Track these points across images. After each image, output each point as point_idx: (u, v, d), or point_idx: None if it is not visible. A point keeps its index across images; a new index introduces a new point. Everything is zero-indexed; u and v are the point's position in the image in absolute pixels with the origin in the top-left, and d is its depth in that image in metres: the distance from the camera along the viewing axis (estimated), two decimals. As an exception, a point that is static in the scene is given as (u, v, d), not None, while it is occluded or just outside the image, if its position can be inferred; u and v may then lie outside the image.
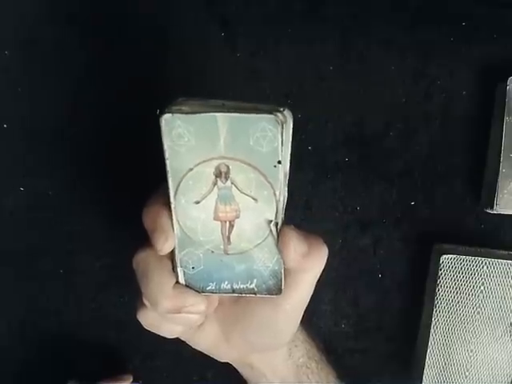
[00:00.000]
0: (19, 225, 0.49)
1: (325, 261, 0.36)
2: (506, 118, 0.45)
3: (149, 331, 0.38)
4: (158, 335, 0.38)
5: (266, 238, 0.34)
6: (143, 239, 0.35)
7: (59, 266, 0.50)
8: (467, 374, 0.48)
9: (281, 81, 0.48)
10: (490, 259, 0.47)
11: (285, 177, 0.32)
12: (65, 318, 0.51)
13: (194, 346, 0.40)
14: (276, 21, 0.47)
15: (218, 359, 0.41)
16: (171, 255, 0.35)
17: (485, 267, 0.47)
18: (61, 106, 0.48)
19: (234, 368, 0.44)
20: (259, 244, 0.34)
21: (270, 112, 0.30)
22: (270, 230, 0.34)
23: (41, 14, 0.47)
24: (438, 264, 0.48)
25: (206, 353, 0.41)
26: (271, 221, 0.33)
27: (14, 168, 0.49)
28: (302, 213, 0.49)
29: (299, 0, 0.47)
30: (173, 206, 0.33)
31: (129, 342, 0.51)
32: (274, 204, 0.33)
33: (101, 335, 0.51)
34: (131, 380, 0.50)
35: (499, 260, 0.47)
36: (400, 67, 0.48)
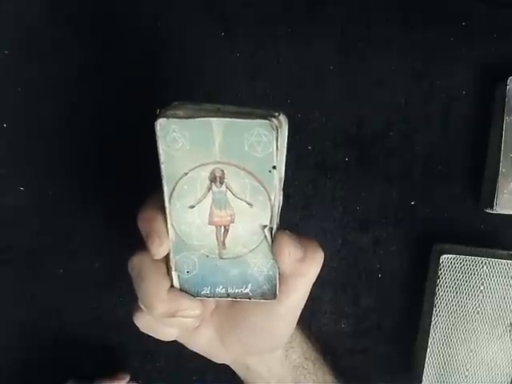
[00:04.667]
0: (19, 225, 0.49)
1: (320, 265, 0.36)
2: (506, 118, 0.45)
3: (148, 332, 0.38)
4: (158, 336, 0.38)
5: (260, 243, 0.34)
6: (142, 240, 0.36)
7: (59, 265, 0.50)
8: (467, 373, 0.48)
9: (281, 81, 0.48)
10: (489, 259, 0.47)
11: (280, 182, 0.32)
12: (65, 318, 0.51)
13: (190, 349, 0.40)
14: (276, 21, 0.47)
15: (215, 361, 0.41)
16: (166, 259, 0.35)
17: (485, 267, 0.47)
18: (60, 106, 0.48)
19: (233, 369, 0.44)
20: (254, 249, 0.34)
21: (264, 117, 0.30)
22: (265, 235, 0.33)
23: (41, 14, 0.47)
24: (437, 264, 0.48)
25: (202, 354, 0.41)
26: (266, 226, 0.33)
27: (14, 168, 0.49)
28: (301, 213, 0.49)
29: (299, 0, 0.47)
30: (168, 210, 0.33)
31: (128, 342, 0.51)
32: (269, 209, 0.32)
33: (100, 335, 0.51)
34: (128, 379, 0.50)
35: (499, 260, 0.47)
36: (400, 67, 0.48)
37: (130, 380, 0.51)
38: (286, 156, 0.32)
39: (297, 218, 0.49)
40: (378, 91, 0.48)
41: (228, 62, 0.48)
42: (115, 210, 0.49)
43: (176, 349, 0.50)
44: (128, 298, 0.50)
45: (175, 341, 0.39)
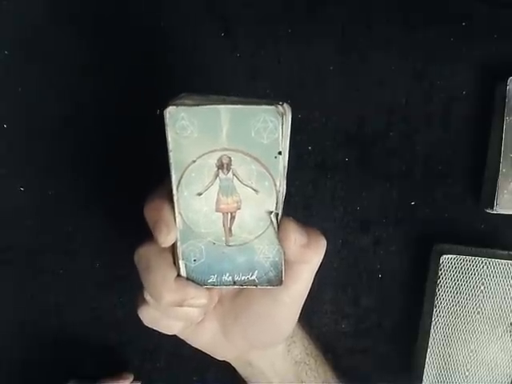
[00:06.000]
0: (19, 225, 0.49)
1: (323, 252, 0.36)
2: (506, 118, 0.45)
3: (148, 331, 0.38)
4: (158, 335, 0.38)
5: (266, 229, 0.34)
6: (143, 239, 0.36)
7: (59, 265, 0.50)
8: (467, 373, 0.48)
9: (281, 81, 0.48)
10: (489, 259, 0.47)
11: (284, 169, 0.33)
12: (65, 318, 0.51)
13: (192, 344, 0.40)
14: (276, 21, 0.47)
15: (217, 357, 0.41)
16: (172, 248, 0.35)
17: (485, 267, 0.47)
18: (61, 105, 0.48)
19: (234, 368, 0.44)
20: (260, 235, 0.34)
21: (270, 104, 0.31)
22: (271, 221, 0.34)
23: (41, 14, 0.47)
24: (437, 264, 0.48)
25: (204, 351, 0.41)
26: (272, 212, 0.34)
27: (14, 168, 0.49)
28: (301, 213, 0.49)
29: (299, 0, 0.47)
30: (175, 198, 0.33)
31: (128, 342, 0.51)
32: (275, 195, 0.33)
33: (101, 335, 0.51)
34: (132, 379, 0.50)
35: (499, 260, 0.47)
36: (400, 67, 0.48)
37: (133, 380, 0.51)
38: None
39: (297, 218, 0.49)
40: (379, 91, 0.48)
41: (229, 62, 0.48)
42: (116, 210, 0.49)
43: (176, 349, 0.51)
44: (128, 298, 0.50)
45: (176, 341, 0.39)
